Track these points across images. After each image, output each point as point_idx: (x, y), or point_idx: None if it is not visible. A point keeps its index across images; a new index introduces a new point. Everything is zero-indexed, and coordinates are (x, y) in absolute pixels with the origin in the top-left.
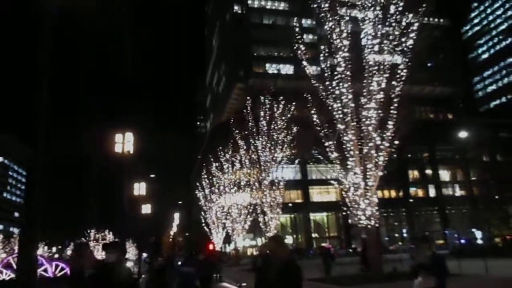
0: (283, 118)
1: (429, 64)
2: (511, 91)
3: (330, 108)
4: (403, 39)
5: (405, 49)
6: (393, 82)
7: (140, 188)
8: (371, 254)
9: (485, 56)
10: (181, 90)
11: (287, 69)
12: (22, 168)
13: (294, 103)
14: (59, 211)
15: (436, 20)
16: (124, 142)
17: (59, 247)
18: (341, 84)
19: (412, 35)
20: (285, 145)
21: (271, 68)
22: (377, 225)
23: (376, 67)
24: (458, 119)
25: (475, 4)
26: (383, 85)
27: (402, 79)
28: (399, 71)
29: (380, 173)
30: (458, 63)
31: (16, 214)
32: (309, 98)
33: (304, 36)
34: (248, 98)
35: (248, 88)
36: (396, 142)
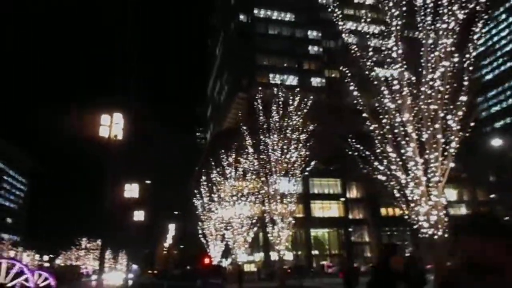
0: (298, 113)
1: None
2: None
3: (375, 82)
4: None
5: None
6: (469, 45)
7: (131, 190)
8: (441, 278)
9: (489, 77)
10: (181, 101)
11: (291, 80)
12: (18, 173)
13: (309, 99)
14: (49, 217)
15: None
16: (112, 125)
17: (51, 255)
18: (394, 48)
19: None
20: (300, 145)
21: (275, 79)
22: (446, 235)
23: (443, 25)
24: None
25: (480, 25)
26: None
27: (482, 34)
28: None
29: (452, 164)
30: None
31: (9, 220)
32: (346, 71)
33: (310, 47)
34: (259, 91)
35: (251, 98)
36: (472, 124)
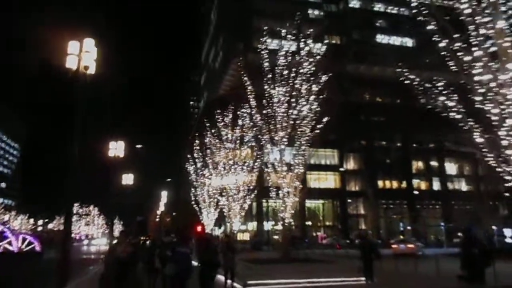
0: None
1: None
2: None
3: None
4: None
5: None
6: None
7: (117, 148)
8: None
9: None
10: (175, 70)
11: (290, 45)
12: (11, 139)
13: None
14: (42, 181)
15: None
16: (81, 55)
17: (46, 220)
18: None
19: None
20: (312, 97)
21: (273, 44)
22: None
23: None
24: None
25: None
26: None
27: None
28: None
29: None
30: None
31: (3, 185)
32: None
33: (310, 11)
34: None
35: (247, 64)
36: None
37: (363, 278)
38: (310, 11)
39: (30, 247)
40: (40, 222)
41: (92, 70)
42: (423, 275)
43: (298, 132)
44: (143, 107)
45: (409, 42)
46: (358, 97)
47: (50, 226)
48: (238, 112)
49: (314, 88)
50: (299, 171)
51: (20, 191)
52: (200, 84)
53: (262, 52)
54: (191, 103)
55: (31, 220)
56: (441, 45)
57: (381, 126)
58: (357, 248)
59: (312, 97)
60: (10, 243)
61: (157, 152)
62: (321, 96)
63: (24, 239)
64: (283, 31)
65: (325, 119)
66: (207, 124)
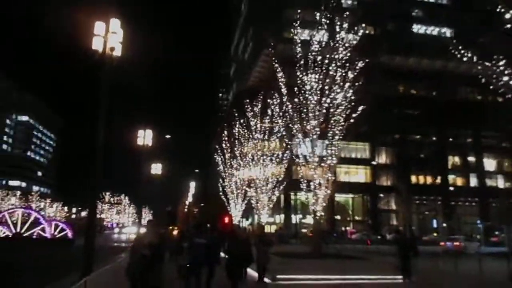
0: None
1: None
2: None
3: None
4: None
5: None
6: None
7: (145, 137)
8: None
9: None
10: (203, 64)
11: (321, 36)
12: (47, 129)
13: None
14: (76, 171)
15: None
16: (107, 36)
17: (79, 208)
18: None
19: None
20: (347, 84)
21: (304, 34)
22: None
23: None
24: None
25: None
26: None
27: None
28: None
29: None
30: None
31: (39, 173)
32: None
33: (343, 0)
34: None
35: (277, 55)
36: None
37: (400, 277)
38: (343, 0)
39: (62, 233)
40: (73, 210)
41: (118, 52)
42: (466, 275)
43: (332, 121)
44: (172, 99)
45: (447, 32)
46: (392, 89)
47: (83, 214)
48: (268, 101)
49: (350, 74)
50: (332, 163)
51: (55, 180)
52: (229, 76)
53: (294, 38)
54: (220, 95)
55: (66, 208)
56: (507, 16)
57: (415, 119)
58: (392, 243)
59: (347, 85)
60: (43, 229)
61: (185, 143)
62: (356, 84)
63: (56, 226)
64: (317, 17)
65: (360, 108)
66: (236, 115)
